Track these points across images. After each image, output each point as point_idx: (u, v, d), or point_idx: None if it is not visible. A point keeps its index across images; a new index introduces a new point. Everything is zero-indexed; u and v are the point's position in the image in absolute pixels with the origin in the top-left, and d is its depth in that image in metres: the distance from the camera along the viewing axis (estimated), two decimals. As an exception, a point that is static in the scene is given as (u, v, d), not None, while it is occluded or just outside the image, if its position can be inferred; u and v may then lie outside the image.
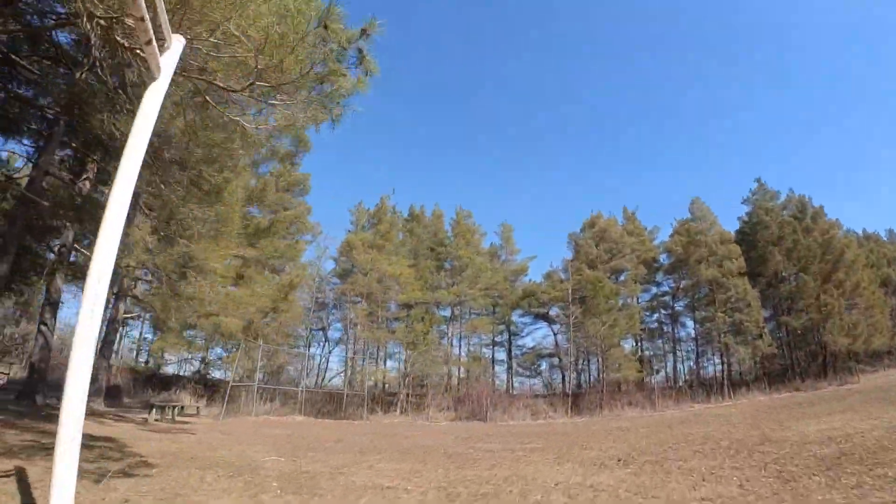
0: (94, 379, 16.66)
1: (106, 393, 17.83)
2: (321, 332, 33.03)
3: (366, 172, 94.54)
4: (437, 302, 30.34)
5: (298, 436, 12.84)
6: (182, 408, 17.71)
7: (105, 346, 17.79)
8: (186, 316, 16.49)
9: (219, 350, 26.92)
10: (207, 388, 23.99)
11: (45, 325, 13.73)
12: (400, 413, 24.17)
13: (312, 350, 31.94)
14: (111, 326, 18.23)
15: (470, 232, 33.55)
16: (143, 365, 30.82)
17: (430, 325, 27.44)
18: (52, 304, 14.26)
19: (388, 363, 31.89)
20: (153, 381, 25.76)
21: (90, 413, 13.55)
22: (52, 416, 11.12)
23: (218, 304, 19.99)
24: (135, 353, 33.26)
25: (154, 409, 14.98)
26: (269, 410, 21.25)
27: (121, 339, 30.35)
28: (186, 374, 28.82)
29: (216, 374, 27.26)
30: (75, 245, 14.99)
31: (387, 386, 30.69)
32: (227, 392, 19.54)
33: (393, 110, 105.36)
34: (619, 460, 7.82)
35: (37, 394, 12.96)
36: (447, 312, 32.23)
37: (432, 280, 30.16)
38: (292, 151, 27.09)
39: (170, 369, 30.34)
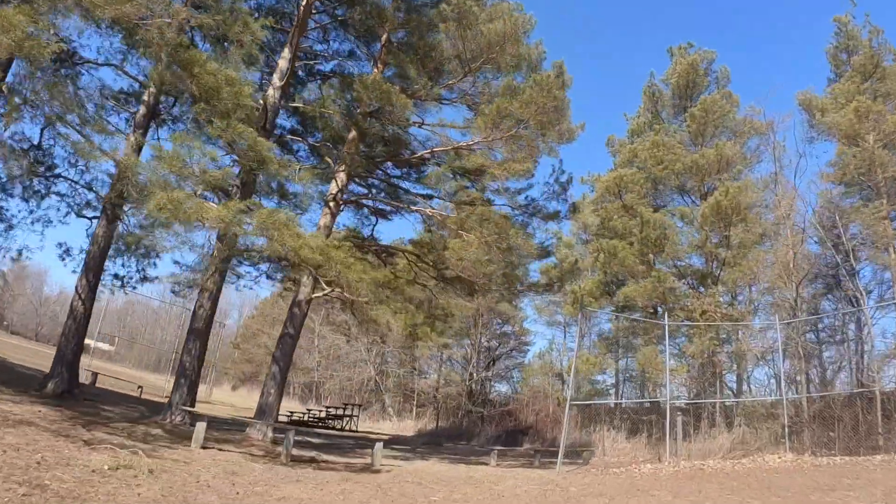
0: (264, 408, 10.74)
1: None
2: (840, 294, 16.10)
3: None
4: None
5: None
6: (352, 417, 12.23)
7: (283, 340, 10.94)
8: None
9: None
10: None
11: (78, 292, 10.72)
12: None
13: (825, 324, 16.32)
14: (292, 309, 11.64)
15: None
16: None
17: None
18: (92, 268, 10.96)
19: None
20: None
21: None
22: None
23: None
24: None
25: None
26: (728, 445, 10.71)
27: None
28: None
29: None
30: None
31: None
32: (566, 415, 10.03)
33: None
34: None
35: (52, 378, 10.20)
36: None
37: None
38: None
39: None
